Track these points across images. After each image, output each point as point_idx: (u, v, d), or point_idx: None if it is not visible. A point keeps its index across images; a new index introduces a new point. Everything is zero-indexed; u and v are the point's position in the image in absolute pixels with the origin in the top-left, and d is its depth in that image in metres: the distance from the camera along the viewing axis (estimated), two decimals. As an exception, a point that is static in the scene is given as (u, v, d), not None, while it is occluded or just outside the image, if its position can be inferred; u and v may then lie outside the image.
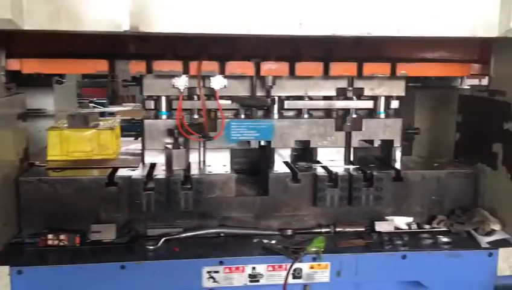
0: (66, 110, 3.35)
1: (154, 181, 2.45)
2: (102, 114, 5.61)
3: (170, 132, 2.66)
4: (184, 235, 2.45)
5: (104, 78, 8.47)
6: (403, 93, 2.91)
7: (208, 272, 2.28)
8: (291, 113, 2.95)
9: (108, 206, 2.49)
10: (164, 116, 2.77)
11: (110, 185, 2.49)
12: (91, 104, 5.27)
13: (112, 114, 5.79)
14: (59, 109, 3.31)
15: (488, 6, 2.19)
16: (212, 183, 2.55)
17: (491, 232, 2.52)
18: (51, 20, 1.90)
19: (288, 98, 2.86)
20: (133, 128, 3.29)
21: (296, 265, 2.31)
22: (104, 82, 8.86)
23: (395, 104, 2.93)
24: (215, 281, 2.29)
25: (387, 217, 2.67)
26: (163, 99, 2.76)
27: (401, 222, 2.66)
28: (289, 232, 2.57)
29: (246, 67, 2.62)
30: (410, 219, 2.67)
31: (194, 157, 2.83)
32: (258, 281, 2.32)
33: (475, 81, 3.23)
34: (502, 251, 2.42)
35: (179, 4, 1.99)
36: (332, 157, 2.90)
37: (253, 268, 2.31)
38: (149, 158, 2.78)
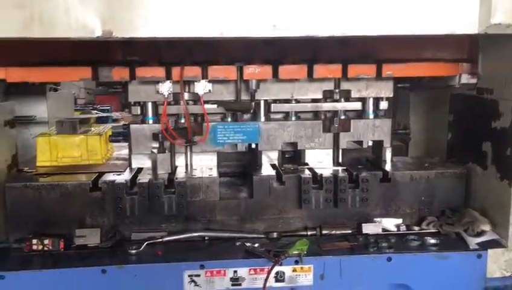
0: (60, 117, 3.40)
1: (138, 185, 2.46)
2: (106, 120, 5.68)
3: (155, 137, 2.67)
4: (167, 239, 2.45)
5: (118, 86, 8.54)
6: (391, 94, 2.87)
7: (189, 275, 2.28)
8: (278, 115, 2.94)
9: (93, 211, 2.51)
10: (150, 121, 2.79)
11: (94, 190, 2.51)
12: (94, 111, 5.34)
13: (115, 120, 5.85)
14: (53, 116, 3.36)
15: (468, 3, 2.14)
16: (196, 186, 2.55)
17: (481, 233, 2.45)
18: (24, 27, 1.92)
19: (274, 101, 2.85)
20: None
21: (279, 268, 2.29)
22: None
23: (384, 105, 2.89)
24: (196, 285, 2.28)
25: (375, 219, 2.63)
26: (149, 105, 2.78)
27: (390, 223, 2.61)
28: (274, 235, 2.55)
29: (229, 72, 2.62)
30: (399, 221, 2.63)
31: (181, 161, 2.84)
32: (240, 284, 2.30)
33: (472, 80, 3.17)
34: (491, 252, 2.36)
35: (150, 9, 2.00)
36: (321, 159, 2.88)
37: (235, 272, 2.30)
38: (136, 163, 2.80)
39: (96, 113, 5.43)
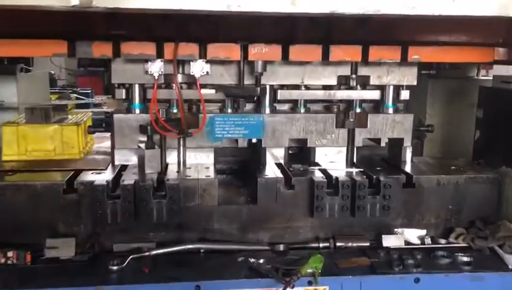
0: (32, 102, 2.97)
1: (121, 188, 2.07)
2: (87, 105, 5.22)
3: (143, 129, 2.27)
4: (155, 252, 2.07)
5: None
6: (414, 82, 2.53)
7: (183, 299, 1.91)
8: (285, 106, 2.58)
9: (67, 217, 2.13)
10: (137, 110, 2.39)
11: (68, 192, 2.12)
12: (73, 95, 4.86)
13: (98, 105, 5.39)
14: (24, 102, 2.93)
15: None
16: (191, 189, 2.17)
17: (520, 250, 2.14)
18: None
19: (281, 87, 2.50)
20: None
21: (288, 290, 1.93)
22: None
23: (405, 94, 2.56)
24: (191, 309, 1.92)
25: (396, 230, 2.31)
26: (136, 87, 2.38)
27: (413, 235, 2.29)
28: (281, 247, 2.20)
29: (231, 51, 2.23)
30: (423, 232, 2.31)
31: (173, 157, 2.46)
32: (242, 309, 1.94)
33: (498, 71, 2.83)
34: (533, 273, 2.04)
35: (140, -28, 1.59)
36: (332, 159, 2.55)
37: (237, 294, 1.94)
38: (120, 159, 2.41)
39: (76, 97, 4.94)
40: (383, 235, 2.25)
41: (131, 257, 2.01)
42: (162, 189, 2.13)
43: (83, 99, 4.99)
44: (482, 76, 3.25)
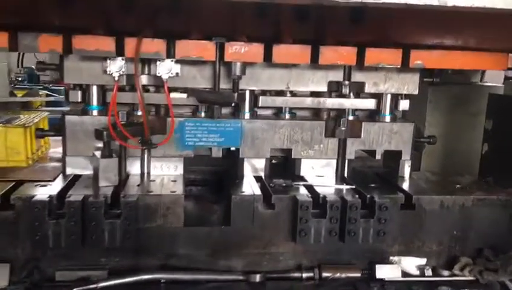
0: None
1: (66, 205, 1.73)
2: (60, 104, 4.85)
3: (98, 134, 1.93)
4: (105, 284, 1.72)
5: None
6: (415, 91, 2.25)
7: None
8: (268, 111, 2.28)
9: (1, 238, 1.77)
10: (95, 112, 2.06)
11: (4, 208, 1.77)
12: (43, 92, 4.48)
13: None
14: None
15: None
16: (151, 207, 1.83)
17: (536, 286, 1.83)
18: None
19: (264, 93, 2.20)
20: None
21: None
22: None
23: (404, 105, 2.28)
24: None
25: (392, 258, 2.00)
26: (94, 89, 2.06)
27: (411, 265, 2.00)
28: (257, 278, 1.87)
29: (205, 49, 1.92)
30: (423, 261, 2.02)
31: (135, 168, 2.12)
32: None
33: None
34: (552, 315, 1.74)
35: None
36: (320, 172, 2.23)
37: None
38: (72, 168, 2.06)
39: (47, 94, 4.57)
40: (376, 265, 1.94)
41: (76, 289, 1.67)
42: (118, 207, 1.79)
43: (53, 96, 4.61)
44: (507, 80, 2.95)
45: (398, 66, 2.03)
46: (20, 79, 7.24)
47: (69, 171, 2.06)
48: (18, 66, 6.19)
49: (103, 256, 1.83)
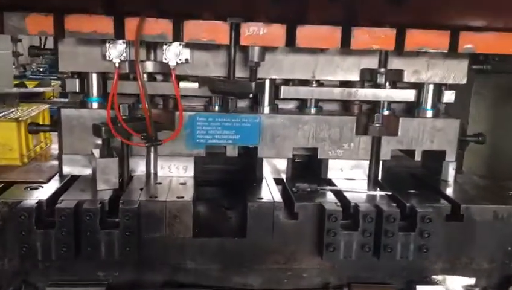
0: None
1: (57, 212, 1.50)
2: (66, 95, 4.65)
3: (96, 130, 1.69)
4: (101, 303, 1.50)
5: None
6: (464, 80, 1.95)
7: None
8: (290, 104, 2.02)
9: (-15, 249, 1.57)
10: (94, 105, 1.83)
11: (-13, 215, 1.55)
12: (56, 82, 4.29)
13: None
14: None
15: None
16: (155, 215, 1.59)
17: None
18: None
19: (286, 82, 1.95)
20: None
21: None
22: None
23: (449, 96, 2.00)
24: None
25: (434, 277, 1.73)
26: (94, 77, 1.82)
27: (458, 285, 1.75)
28: (277, 297, 1.61)
29: (218, 31, 1.65)
30: (471, 281, 1.75)
31: (140, 168, 1.88)
32: None
33: None
34: None
35: None
36: (350, 175, 1.96)
37: None
38: (69, 168, 1.84)
39: (60, 85, 4.38)
40: (416, 286, 1.68)
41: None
42: (115, 214, 1.55)
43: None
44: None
45: (445, 51, 1.73)
46: (41, 70, 7.14)
47: (66, 171, 1.85)
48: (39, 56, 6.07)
49: (100, 270, 1.60)
